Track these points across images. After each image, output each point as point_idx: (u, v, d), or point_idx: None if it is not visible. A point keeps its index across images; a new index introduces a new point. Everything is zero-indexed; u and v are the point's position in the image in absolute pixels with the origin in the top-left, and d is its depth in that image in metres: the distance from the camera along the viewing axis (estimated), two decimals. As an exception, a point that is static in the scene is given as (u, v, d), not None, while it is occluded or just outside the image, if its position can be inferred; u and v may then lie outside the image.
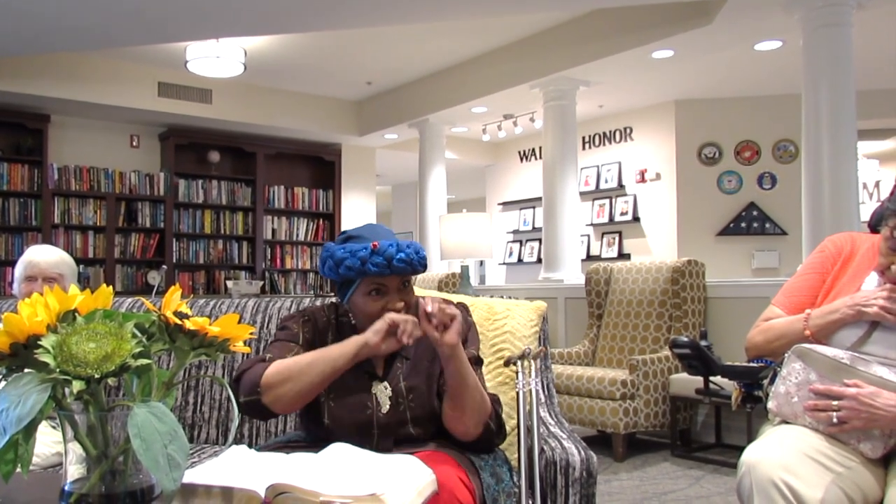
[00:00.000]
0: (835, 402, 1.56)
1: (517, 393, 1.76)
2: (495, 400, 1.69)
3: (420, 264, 1.63)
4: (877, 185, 10.13)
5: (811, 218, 4.75)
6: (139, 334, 1.10)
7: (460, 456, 1.60)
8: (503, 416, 1.73)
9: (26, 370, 1.03)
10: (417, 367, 1.70)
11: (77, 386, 0.98)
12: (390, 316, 1.55)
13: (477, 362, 1.72)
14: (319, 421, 1.66)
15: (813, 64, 4.80)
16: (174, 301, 1.14)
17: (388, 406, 1.64)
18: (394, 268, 1.58)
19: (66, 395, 1.04)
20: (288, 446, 1.67)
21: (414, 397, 1.66)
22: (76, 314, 1.08)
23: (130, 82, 7.40)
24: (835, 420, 1.56)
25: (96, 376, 1.00)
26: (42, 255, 2.53)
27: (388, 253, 1.58)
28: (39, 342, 1.01)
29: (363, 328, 1.62)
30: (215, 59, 6.48)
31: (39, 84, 6.94)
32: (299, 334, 1.70)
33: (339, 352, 1.55)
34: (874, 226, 1.79)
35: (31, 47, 6.23)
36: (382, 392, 1.66)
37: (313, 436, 1.71)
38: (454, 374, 1.56)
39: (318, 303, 2.11)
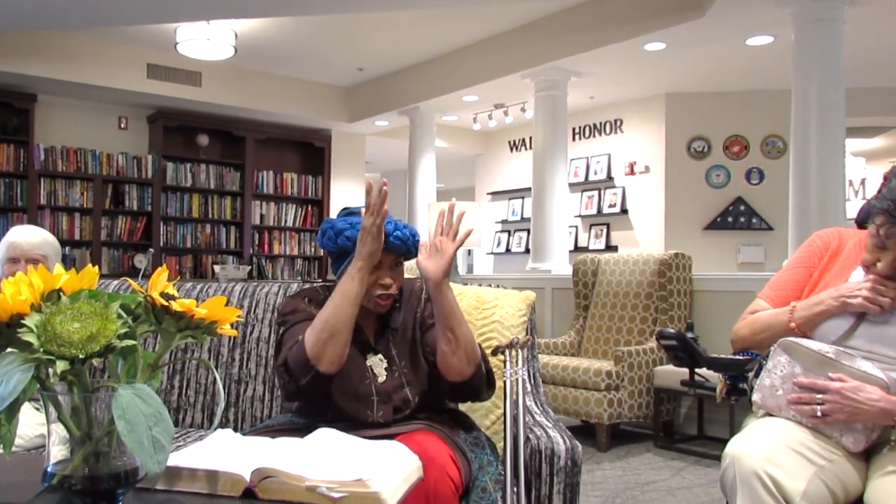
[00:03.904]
0: (819, 396, 1.58)
1: (504, 382, 1.77)
2: (483, 351, 1.79)
3: (413, 247, 1.74)
4: (863, 182, 10.22)
5: (797, 214, 4.78)
6: (125, 315, 1.09)
7: (448, 437, 1.63)
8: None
9: (9, 349, 1.02)
10: (404, 335, 1.81)
11: (61, 366, 0.97)
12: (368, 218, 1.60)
13: None
14: (324, 392, 1.68)
15: (803, 59, 4.81)
16: (161, 282, 1.13)
17: (384, 375, 1.74)
18: (390, 244, 1.68)
19: (50, 376, 1.03)
20: (273, 431, 1.67)
21: (406, 363, 1.76)
22: (61, 294, 1.07)
23: (119, 63, 7.32)
24: (818, 413, 1.57)
25: (80, 356, 0.99)
26: (24, 236, 2.49)
27: (386, 229, 1.67)
28: (23, 321, 1.00)
29: None
30: (205, 41, 6.42)
31: (26, 63, 6.85)
32: (307, 310, 1.76)
33: (347, 282, 1.61)
34: (861, 222, 1.80)
35: (19, 25, 6.16)
36: (378, 364, 1.75)
37: (309, 410, 1.75)
38: (445, 307, 1.65)
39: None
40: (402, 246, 1.71)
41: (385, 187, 1.59)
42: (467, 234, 1.69)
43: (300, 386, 1.61)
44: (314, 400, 1.68)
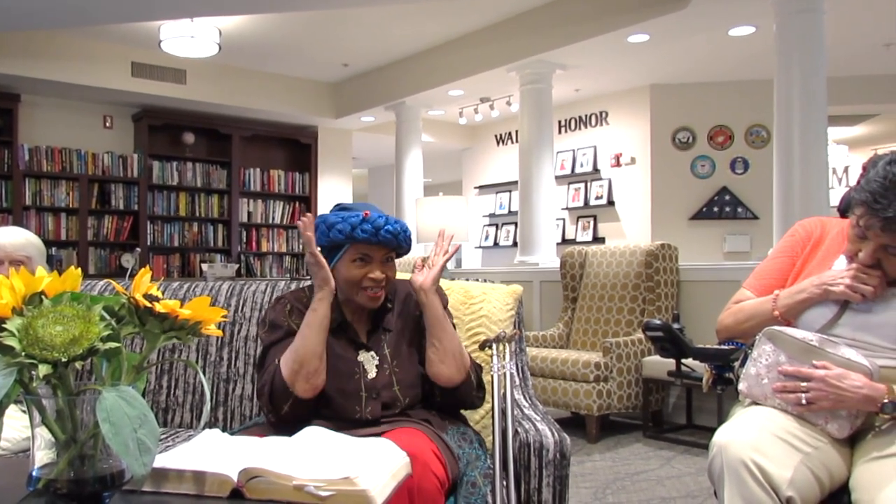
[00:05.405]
0: (803, 384, 1.59)
1: (492, 376, 1.77)
2: (474, 360, 1.82)
3: (405, 241, 1.76)
4: (846, 170, 10.29)
5: (782, 202, 4.81)
6: (108, 317, 1.08)
7: (433, 433, 1.63)
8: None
9: (-9, 354, 1.02)
10: (399, 337, 1.81)
11: (43, 370, 0.97)
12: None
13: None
14: (305, 416, 1.67)
15: (785, 49, 4.84)
16: (144, 283, 1.13)
17: (374, 372, 1.74)
18: (380, 237, 1.70)
19: (33, 379, 1.03)
20: (262, 427, 1.68)
21: (398, 363, 1.76)
22: (43, 297, 1.06)
23: (103, 62, 7.26)
24: (803, 401, 1.58)
25: (63, 360, 0.98)
26: (7, 238, 2.46)
27: (377, 223, 1.70)
28: (4, 325, 0.99)
29: (345, 296, 1.78)
30: (189, 38, 6.38)
31: (9, 63, 6.79)
32: (287, 323, 1.75)
33: (310, 314, 1.66)
34: (843, 211, 1.82)
35: (1, 24, 6.09)
36: (369, 360, 1.76)
37: None
38: (431, 317, 1.73)
39: (293, 286, 2.10)
40: (392, 240, 1.72)
41: (305, 218, 1.66)
42: (456, 249, 1.78)
43: (282, 415, 1.63)
44: (299, 420, 1.66)
